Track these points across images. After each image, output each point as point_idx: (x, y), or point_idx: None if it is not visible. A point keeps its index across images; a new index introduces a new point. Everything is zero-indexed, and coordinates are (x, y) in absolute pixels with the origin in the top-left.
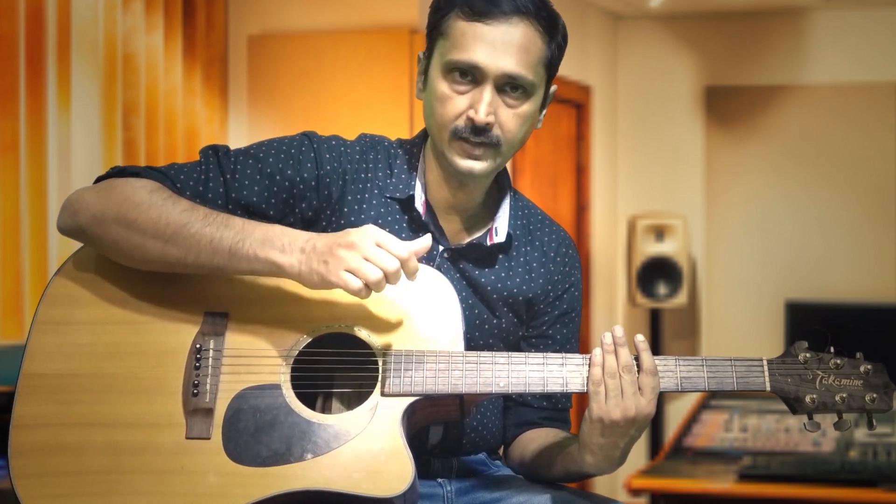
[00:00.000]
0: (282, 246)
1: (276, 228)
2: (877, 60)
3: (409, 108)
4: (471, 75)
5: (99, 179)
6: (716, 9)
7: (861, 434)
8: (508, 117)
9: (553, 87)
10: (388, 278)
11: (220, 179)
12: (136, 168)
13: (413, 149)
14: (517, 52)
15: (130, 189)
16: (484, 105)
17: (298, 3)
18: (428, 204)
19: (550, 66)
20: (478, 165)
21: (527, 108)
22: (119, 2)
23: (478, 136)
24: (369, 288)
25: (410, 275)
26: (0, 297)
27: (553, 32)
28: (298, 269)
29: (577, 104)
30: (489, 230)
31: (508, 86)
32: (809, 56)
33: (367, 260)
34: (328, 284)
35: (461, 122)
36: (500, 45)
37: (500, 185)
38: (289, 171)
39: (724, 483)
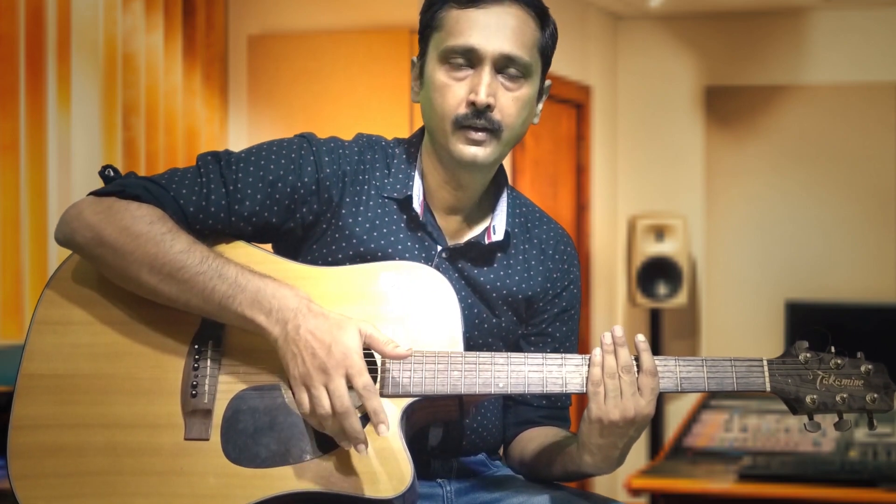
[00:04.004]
0: (269, 309)
1: (270, 287)
2: (877, 60)
3: (408, 108)
4: (468, 60)
5: (100, 193)
6: (716, 9)
7: (861, 434)
8: (508, 101)
9: (548, 82)
10: (337, 417)
11: (221, 191)
12: (137, 187)
13: (410, 148)
14: (512, 33)
15: (130, 218)
16: (484, 86)
17: (298, 3)
18: (426, 203)
19: (544, 54)
20: (481, 152)
21: (525, 91)
22: (119, 2)
23: (480, 118)
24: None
25: (375, 418)
26: (0, 297)
27: (545, 20)
28: (275, 339)
29: (577, 104)
30: (487, 229)
31: (506, 68)
32: (809, 56)
33: (326, 390)
34: (287, 372)
35: (463, 109)
36: (494, 27)
37: (497, 183)
38: (290, 177)
39: (724, 483)
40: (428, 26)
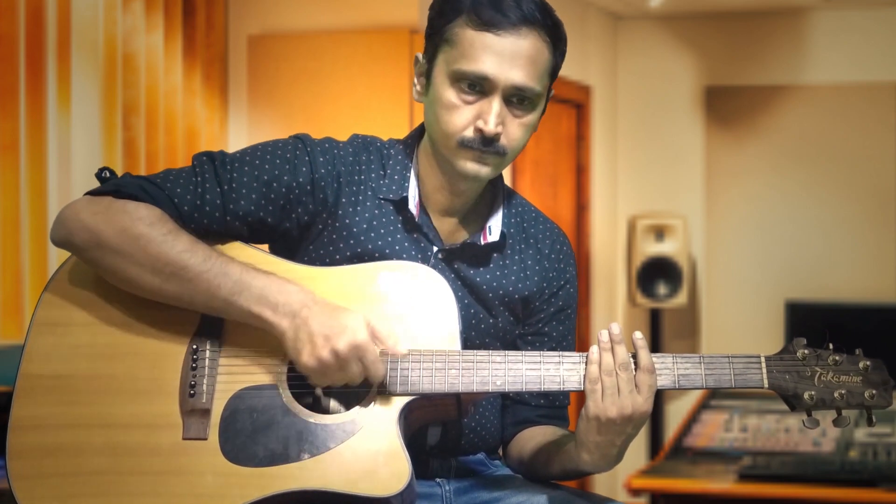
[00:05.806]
0: (276, 305)
1: (275, 284)
2: (877, 60)
3: (409, 108)
4: (479, 86)
5: (95, 193)
6: (716, 9)
7: (861, 434)
8: (514, 127)
9: (551, 91)
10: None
11: (216, 191)
12: (133, 186)
13: (406, 149)
14: (525, 63)
15: (129, 219)
16: (493, 116)
17: (298, 3)
18: (422, 205)
19: (554, 73)
20: (484, 170)
21: (532, 117)
22: (119, 2)
23: (486, 146)
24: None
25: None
26: (0, 297)
27: (558, 41)
28: (284, 333)
29: (577, 104)
30: (483, 230)
31: (516, 97)
32: (809, 56)
33: (341, 371)
34: (298, 362)
35: (470, 133)
36: (508, 56)
37: (493, 184)
38: (285, 177)
39: (724, 483)
40: (439, 35)
